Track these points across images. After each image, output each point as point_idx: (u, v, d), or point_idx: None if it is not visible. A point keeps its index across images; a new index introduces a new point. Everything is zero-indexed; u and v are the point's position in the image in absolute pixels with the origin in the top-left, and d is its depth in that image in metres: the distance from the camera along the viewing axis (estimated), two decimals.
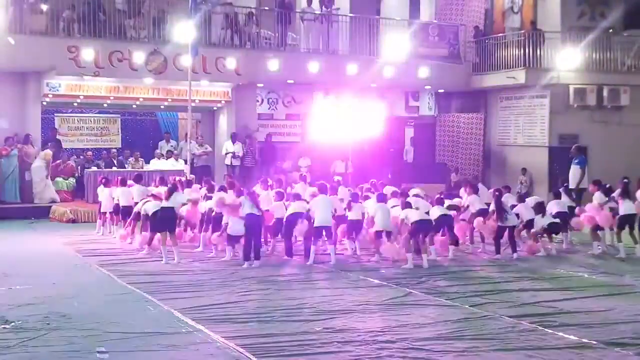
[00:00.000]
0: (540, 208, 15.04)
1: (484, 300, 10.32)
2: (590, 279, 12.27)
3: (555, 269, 13.08)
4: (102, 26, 20.28)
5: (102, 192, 16.56)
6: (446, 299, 10.39)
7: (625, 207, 14.66)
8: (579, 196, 17.85)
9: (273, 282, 11.70)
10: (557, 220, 14.91)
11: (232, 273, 12.32)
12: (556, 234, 15.11)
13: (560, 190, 16.71)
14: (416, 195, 15.43)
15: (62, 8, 20.07)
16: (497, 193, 14.78)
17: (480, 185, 16.88)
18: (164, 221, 13.48)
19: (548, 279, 12.17)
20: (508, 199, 15.29)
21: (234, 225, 13.22)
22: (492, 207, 14.55)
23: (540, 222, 14.70)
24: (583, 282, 11.89)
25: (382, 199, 14.47)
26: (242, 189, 13.92)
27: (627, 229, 14.74)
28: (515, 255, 14.11)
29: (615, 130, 23.50)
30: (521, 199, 15.70)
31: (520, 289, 11.21)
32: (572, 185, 19.33)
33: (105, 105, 22.17)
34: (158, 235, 13.75)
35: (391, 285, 11.39)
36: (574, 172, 19.03)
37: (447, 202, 14.67)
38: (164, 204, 13.55)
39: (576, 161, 19.56)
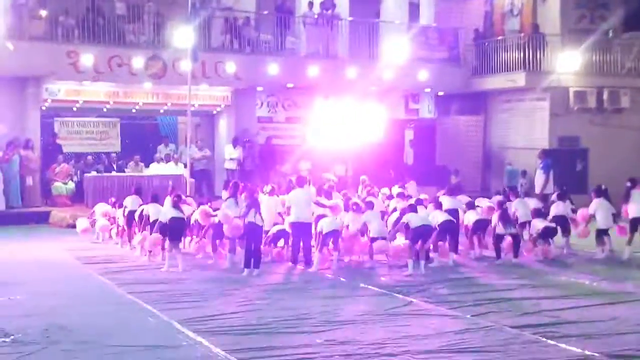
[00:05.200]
0: (538, 212, 15.08)
1: (486, 310, 10.26)
2: (592, 286, 12.21)
3: (556, 276, 13.03)
4: (101, 31, 20.24)
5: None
6: (448, 308, 10.34)
7: (634, 209, 14.66)
8: (544, 202, 17.32)
9: (274, 291, 11.64)
10: (553, 225, 14.93)
11: (233, 282, 12.28)
12: (552, 237, 15.01)
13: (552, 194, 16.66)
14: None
15: (62, 13, 20.04)
16: (504, 203, 14.65)
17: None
18: (175, 231, 13.43)
19: (549, 286, 12.10)
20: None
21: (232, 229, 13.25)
22: (495, 217, 14.44)
23: (537, 225, 14.71)
24: (585, 290, 11.84)
25: (371, 206, 14.43)
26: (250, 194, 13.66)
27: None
28: (514, 260, 14.10)
29: (616, 132, 23.46)
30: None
31: (521, 297, 11.16)
32: (536, 190, 19.24)
33: (104, 109, 22.11)
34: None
35: (392, 294, 11.34)
36: (538, 177, 18.79)
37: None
38: (174, 214, 13.47)
39: (541, 166, 19.37)
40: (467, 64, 25.02)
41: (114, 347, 8.29)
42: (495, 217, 14.39)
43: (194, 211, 14.77)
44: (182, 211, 13.71)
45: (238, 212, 13.31)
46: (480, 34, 25.61)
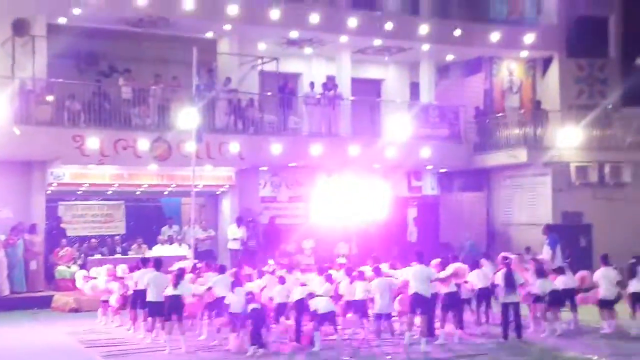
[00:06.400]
0: (541, 272, 14.94)
1: None
2: None
3: (563, 352, 12.88)
4: (107, 115, 20.55)
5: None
6: None
7: (635, 285, 14.63)
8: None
9: None
10: (559, 288, 14.83)
11: None
12: (560, 305, 14.91)
13: (564, 266, 16.53)
14: None
15: (68, 98, 20.37)
16: (507, 264, 14.43)
17: None
18: (171, 310, 13.38)
19: None
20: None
21: (235, 304, 13.14)
22: (499, 279, 14.32)
23: (542, 286, 14.60)
24: None
25: (379, 273, 14.25)
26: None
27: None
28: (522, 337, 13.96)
29: (619, 207, 23.42)
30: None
31: None
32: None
33: (109, 192, 22.24)
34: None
35: None
36: (545, 253, 18.86)
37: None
38: (171, 292, 13.42)
39: (547, 241, 19.44)
40: (468, 141, 25.27)
41: None
42: (499, 277, 14.24)
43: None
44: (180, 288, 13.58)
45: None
46: (481, 111, 25.96)
